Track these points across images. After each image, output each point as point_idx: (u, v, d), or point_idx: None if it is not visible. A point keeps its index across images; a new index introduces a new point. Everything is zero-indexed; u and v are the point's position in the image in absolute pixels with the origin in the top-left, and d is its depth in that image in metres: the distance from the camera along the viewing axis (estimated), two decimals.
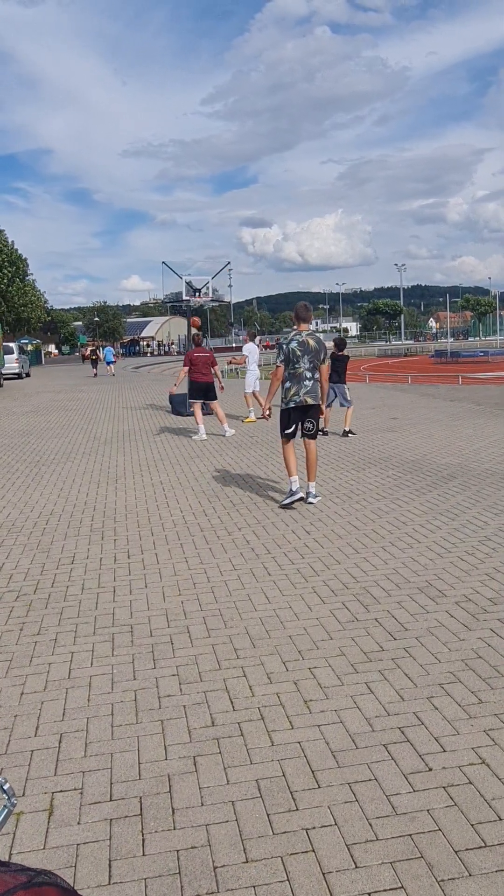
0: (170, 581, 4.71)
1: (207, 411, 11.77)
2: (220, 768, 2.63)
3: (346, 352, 11.16)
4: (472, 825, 2.26)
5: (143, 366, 45.15)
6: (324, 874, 2.08)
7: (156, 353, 77.04)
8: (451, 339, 72.57)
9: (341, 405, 10.84)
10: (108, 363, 33.87)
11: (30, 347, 47.82)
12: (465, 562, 4.84)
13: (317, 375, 6.46)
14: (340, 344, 11.20)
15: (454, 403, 15.30)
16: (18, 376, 31.12)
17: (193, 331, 13.19)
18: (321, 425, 9.14)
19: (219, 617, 4.07)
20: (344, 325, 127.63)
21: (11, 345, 31.77)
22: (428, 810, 2.34)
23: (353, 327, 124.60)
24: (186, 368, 11.24)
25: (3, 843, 2.26)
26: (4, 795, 0.94)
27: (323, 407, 6.62)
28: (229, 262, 18.90)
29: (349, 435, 10.75)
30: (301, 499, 6.50)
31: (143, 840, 2.26)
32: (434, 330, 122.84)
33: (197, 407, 11.42)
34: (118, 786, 2.55)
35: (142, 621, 4.06)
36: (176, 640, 3.77)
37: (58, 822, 2.36)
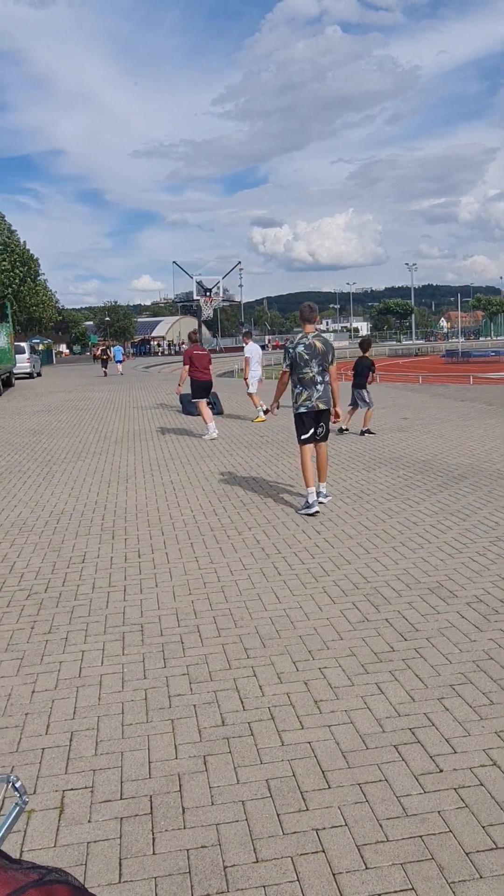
0: (180, 580, 4.72)
1: (217, 411, 11.74)
2: (231, 768, 2.63)
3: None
4: (483, 827, 2.25)
5: (153, 365, 45.24)
6: (334, 875, 2.08)
7: (166, 352, 77.23)
8: (462, 339, 72.28)
9: (360, 408, 10.84)
10: (117, 362, 34.04)
11: (41, 347, 48.06)
12: (477, 562, 4.82)
13: (327, 378, 6.23)
14: (365, 345, 11.11)
15: (465, 403, 15.23)
16: (30, 376, 31.25)
17: (191, 329, 13.22)
18: (342, 425, 9.05)
19: (229, 616, 4.07)
20: (355, 324, 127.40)
21: (23, 344, 31.87)
22: (439, 812, 2.33)
23: (363, 327, 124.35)
24: (187, 367, 11.25)
25: (14, 840, 2.27)
26: (16, 793, 0.94)
27: (337, 409, 6.50)
28: (240, 262, 18.98)
29: (366, 434, 10.72)
30: (317, 513, 6.25)
31: (154, 839, 2.27)
32: (445, 329, 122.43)
33: (202, 406, 11.44)
34: (129, 784, 2.56)
35: (152, 620, 4.06)
36: (186, 640, 3.77)
37: (68, 821, 2.37)
